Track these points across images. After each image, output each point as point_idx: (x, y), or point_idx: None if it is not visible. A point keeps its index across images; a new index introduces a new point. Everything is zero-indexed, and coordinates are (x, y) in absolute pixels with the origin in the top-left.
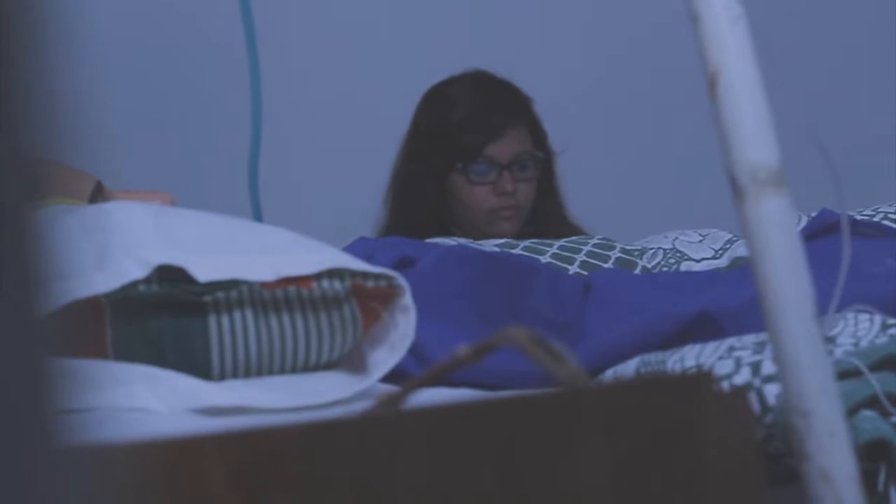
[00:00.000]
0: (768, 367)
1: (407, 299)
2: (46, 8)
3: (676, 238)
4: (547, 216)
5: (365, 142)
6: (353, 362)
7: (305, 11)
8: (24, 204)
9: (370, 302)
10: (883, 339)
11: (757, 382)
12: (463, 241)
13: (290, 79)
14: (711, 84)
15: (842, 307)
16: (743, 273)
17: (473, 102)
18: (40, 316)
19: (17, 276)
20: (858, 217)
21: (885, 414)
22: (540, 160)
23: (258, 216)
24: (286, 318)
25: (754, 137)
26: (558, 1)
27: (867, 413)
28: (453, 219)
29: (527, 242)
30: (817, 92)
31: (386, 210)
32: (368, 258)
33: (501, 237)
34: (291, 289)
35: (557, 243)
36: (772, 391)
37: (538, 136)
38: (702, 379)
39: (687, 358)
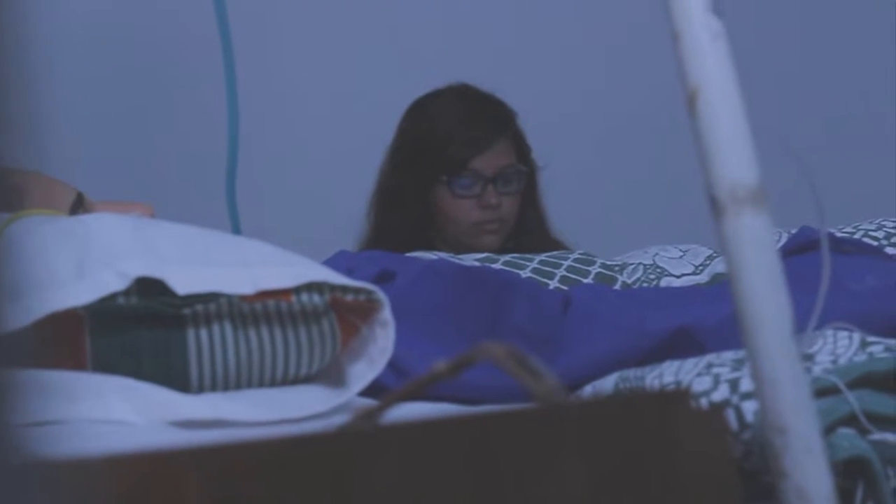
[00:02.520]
0: (747, 385)
1: (386, 313)
2: (13, 18)
3: (657, 254)
4: (529, 230)
5: (345, 154)
6: (331, 376)
7: (284, 19)
8: None
9: (349, 316)
10: (861, 357)
11: (735, 399)
12: (444, 255)
13: (268, 90)
14: (691, 101)
15: (821, 324)
16: (723, 289)
17: (458, 116)
18: (6, 328)
19: None
20: (839, 234)
21: (863, 432)
22: (524, 174)
23: (237, 229)
24: (265, 332)
25: (733, 155)
26: (543, 16)
27: (845, 431)
28: (437, 232)
29: (507, 257)
30: (799, 107)
31: (369, 223)
32: (348, 272)
33: (485, 251)
34: (271, 302)
35: (538, 258)
36: (750, 408)
37: (522, 149)
38: (679, 396)
39: (665, 374)
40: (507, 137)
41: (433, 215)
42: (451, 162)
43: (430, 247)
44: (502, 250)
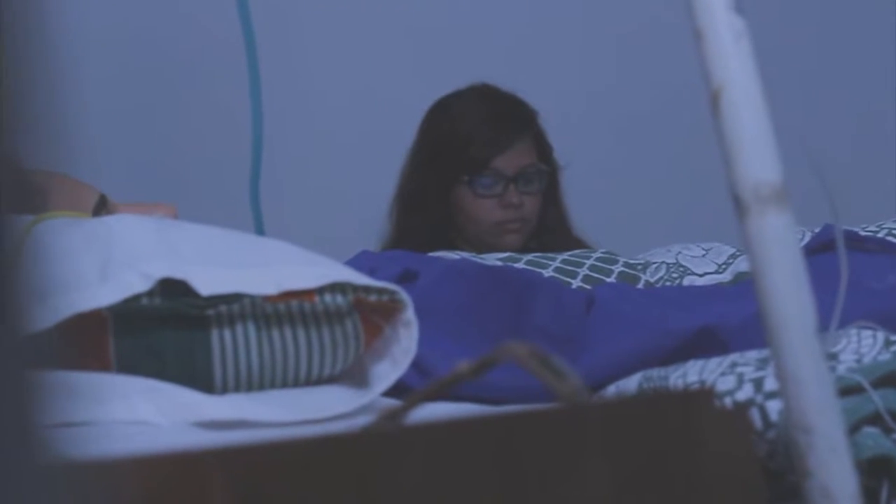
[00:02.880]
0: (771, 384)
1: (409, 314)
2: (40, 18)
3: (679, 252)
4: (551, 229)
5: (368, 154)
6: (355, 376)
7: (307, 20)
8: (17, 216)
9: (372, 316)
10: (886, 356)
11: (759, 399)
12: (466, 255)
13: (292, 92)
14: (714, 100)
15: (845, 323)
16: (746, 288)
17: (479, 116)
18: (32, 329)
19: (8, 290)
20: (862, 233)
21: (888, 431)
22: (545, 173)
23: (260, 230)
24: (288, 332)
25: (757, 154)
26: (565, 15)
27: (869, 430)
28: (458, 232)
29: (530, 256)
30: (823, 107)
31: (391, 224)
32: (371, 272)
33: (507, 250)
34: (294, 303)
35: (560, 257)
36: (774, 407)
37: (543, 149)
38: (703, 395)
39: (689, 373)
40: (529, 137)
41: (454, 215)
42: (473, 162)
43: (451, 247)
44: (524, 250)
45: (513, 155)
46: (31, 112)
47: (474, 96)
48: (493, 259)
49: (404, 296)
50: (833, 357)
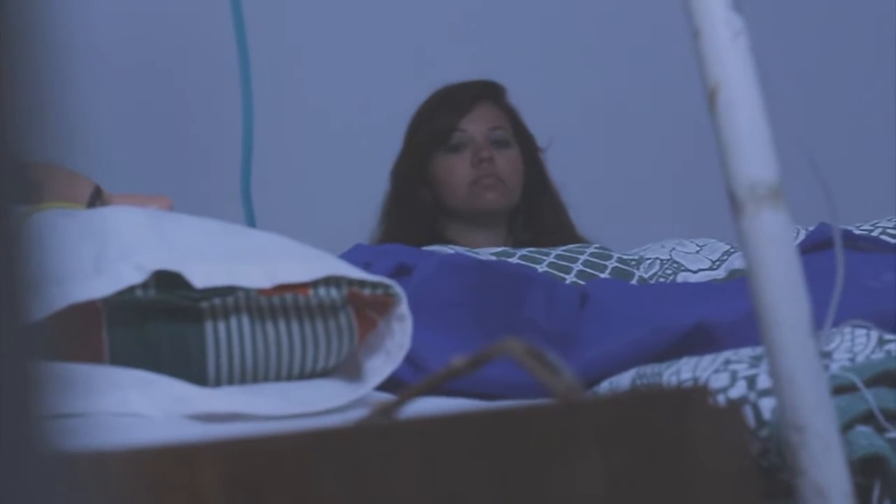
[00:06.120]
0: (764, 381)
1: (403, 308)
2: (37, 11)
3: (673, 248)
4: (543, 216)
5: (360, 148)
6: (348, 370)
7: (299, 13)
8: (14, 206)
9: (366, 310)
10: (879, 355)
11: (752, 396)
12: (460, 249)
13: (283, 85)
14: (711, 98)
15: (839, 322)
16: (740, 286)
17: (445, 93)
18: (30, 320)
19: (6, 280)
20: (857, 232)
21: (880, 430)
22: (517, 138)
23: (252, 223)
24: (282, 326)
25: (753, 152)
26: (561, 12)
27: (862, 429)
28: (447, 218)
29: (524, 251)
30: (818, 105)
31: (382, 224)
32: (366, 266)
33: (490, 211)
34: (288, 296)
35: (554, 252)
36: (767, 405)
37: (516, 123)
38: (697, 392)
39: (683, 371)
40: (493, 102)
41: (437, 193)
42: (442, 128)
43: (443, 240)
44: (518, 242)
45: (479, 117)
46: (29, 105)
47: (445, 87)
48: (486, 254)
49: (398, 290)
50: (827, 355)
